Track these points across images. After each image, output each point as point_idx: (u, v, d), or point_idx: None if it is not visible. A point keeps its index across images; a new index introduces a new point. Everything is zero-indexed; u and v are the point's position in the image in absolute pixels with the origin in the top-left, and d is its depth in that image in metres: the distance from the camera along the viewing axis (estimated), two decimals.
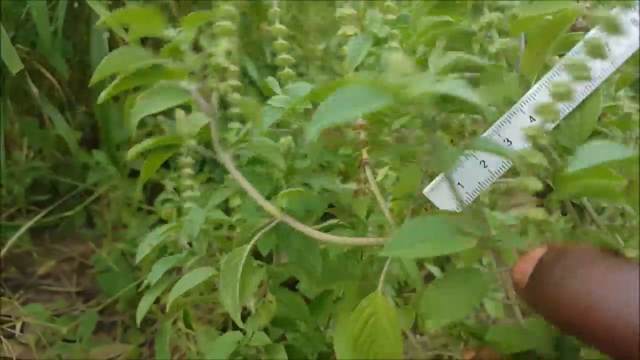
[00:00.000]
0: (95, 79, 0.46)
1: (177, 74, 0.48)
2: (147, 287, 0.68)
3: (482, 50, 0.49)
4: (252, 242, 0.51)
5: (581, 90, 0.45)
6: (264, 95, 1.46)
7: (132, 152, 0.49)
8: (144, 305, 0.67)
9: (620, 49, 0.44)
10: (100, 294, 1.26)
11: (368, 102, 0.31)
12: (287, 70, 0.65)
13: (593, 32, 0.44)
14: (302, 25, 1.49)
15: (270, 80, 0.63)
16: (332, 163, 0.65)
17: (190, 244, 0.74)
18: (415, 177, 0.54)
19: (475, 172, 0.46)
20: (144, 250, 0.69)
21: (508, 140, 0.46)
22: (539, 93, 0.46)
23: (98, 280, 1.21)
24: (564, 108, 0.45)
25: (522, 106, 0.46)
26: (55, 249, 1.34)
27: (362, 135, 0.56)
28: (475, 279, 0.40)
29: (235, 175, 0.50)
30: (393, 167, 0.62)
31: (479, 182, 0.46)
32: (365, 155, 0.56)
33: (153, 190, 1.36)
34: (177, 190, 1.27)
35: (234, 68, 0.52)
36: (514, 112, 0.46)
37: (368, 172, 0.55)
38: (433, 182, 0.48)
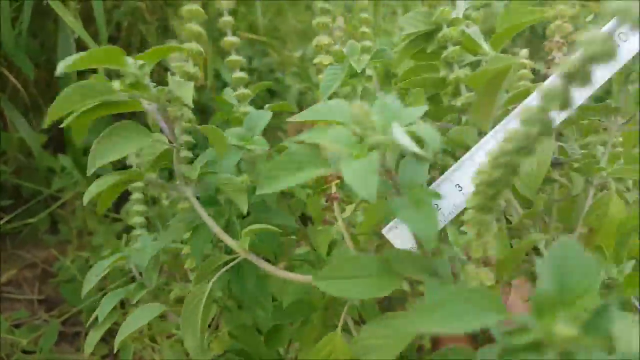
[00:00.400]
0: (51, 117, 0.47)
1: (133, 105, 0.49)
2: (95, 320, 0.67)
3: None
4: (211, 281, 0.51)
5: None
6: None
7: (87, 196, 0.51)
8: (91, 341, 0.67)
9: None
10: (64, 303, 1.21)
11: (310, 169, 0.35)
12: (241, 90, 0.66)
13: (549, 81, 0.45)
14: (279, 30, 1.46)
15: (226, 93, 0.64)
16: (296, 195, 0.66)
17: (140, 273, 0.71)
18: (380, 213, 0.54)
19: (452, 195, 0.48)
20: (90, 281, 0.68)
21: (458, 185, 0.48)
22: (489, 142, 0.48)
23: (62, 289, 1.17)
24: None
25: (472, 154, 0.48)
26: (18, 255, 1.30)
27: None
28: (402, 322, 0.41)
29: (199, 211, 0.52)
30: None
31: (454, 205, 0.48)
32: (334, 190, 0.57)
33: (120, 196, 1.32)
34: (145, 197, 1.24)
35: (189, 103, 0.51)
36: (465, 159, 0.48)
37: (336, 207, 0.56)
38: (392, 221, 0.49)
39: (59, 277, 1.20)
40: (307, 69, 1.44)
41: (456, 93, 0.52)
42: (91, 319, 0.67)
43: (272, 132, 1.44)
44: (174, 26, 1.34)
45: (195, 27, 0.54)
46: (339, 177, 0.57)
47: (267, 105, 0.66)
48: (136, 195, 1.23)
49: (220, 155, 0.54)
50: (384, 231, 0.48)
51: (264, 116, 0.59)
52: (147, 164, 0.52)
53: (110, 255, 0.70)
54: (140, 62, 0.48)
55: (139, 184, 1.24)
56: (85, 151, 1.25)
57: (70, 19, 0.93)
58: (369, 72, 0.59)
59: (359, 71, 0.56)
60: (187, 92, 0.49)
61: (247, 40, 1.41)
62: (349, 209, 0.58)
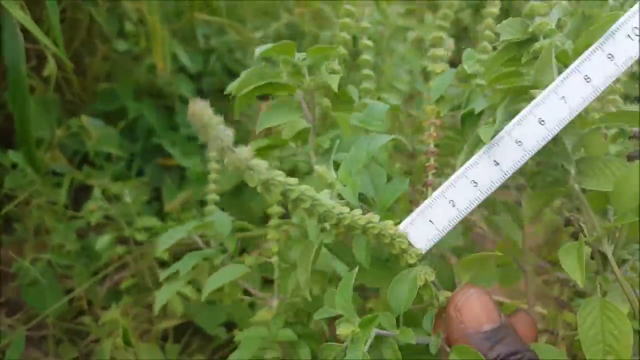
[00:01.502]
0: (238, 90, 0.60)
1: (292, 89, 0.63)
2: (169, 277, 0.74)
3: None
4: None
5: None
6: (194, 80, 1.36)
7: (253, 147, 0.57)
8: (164, 295, 0.74)
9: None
10: (26, 305, 1.14)
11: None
12: (365, 85, 0.77)
13: None
14: (238, 8, 1.40)
15: (350, 89, 0.70)
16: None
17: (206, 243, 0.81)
18: None
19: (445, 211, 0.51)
20: (165, 243, 0.76)
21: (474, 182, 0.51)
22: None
23: (24, 295, 1.10)
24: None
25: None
26: None
27: (432, 161, 0.63)
28: None
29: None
30: None
31: (448, 220, 0.51)
32: (430, 177, 0.62)
33: (78, 193, 1.23)
34: (105, 194, 1.17)
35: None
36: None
37: (429, 192, 0.60)
38: (409, 216, 0.52)
39: (19, 280, 1.10)
40: None
41: None
42: (163, 276, 0.74)
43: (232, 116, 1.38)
44: (125, 6, 1.25)
45: None
46: (435, 167, 0.62)
47: None
48: (97, 192, 1.15)
49: (345, 134, 0.63)
50: (402, 226, 0.52)
51: (383, 107, 0.66)
52: (290, 135, 0.64)
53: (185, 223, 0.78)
54: (303, 55, 0.62)
55: (102, 181, 1.16)
56: (39, 145, 1.14)
57: (17, 12, 0.87)
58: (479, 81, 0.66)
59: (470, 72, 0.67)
60: (334, 82, 0.61)
61: (204, 20, 1.34)
62: None
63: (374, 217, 0.48)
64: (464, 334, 0.47)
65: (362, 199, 0.57)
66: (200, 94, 1.46)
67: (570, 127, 0.50)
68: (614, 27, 0.48)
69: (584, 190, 0.53)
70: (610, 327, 0.48)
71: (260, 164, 0.41)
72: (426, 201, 0.51)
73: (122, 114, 1.32)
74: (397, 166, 0.91)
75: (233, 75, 1.45)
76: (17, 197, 1.13)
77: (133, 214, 1.13)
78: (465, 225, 0.63)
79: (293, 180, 0.44)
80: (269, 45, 0.59)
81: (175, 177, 1.30)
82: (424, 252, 0.51)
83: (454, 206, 0.50)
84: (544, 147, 0.49)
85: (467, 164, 0.51)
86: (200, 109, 0.37)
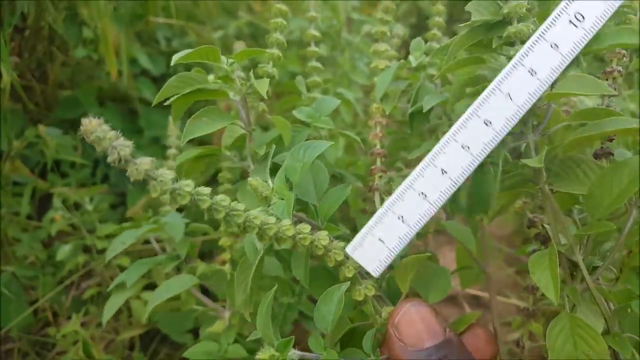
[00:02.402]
0: (159, 99, 0.57)
1: (223, 94, 0.60)
2: (117, 287, 0.69)
3: None
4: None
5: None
6: (156, 82, 1.32)
7: (179, 159, 0.60)
8: (112, 306, 0.68)
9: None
10: None
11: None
12: (313, 78, 0.75)
13: None
14: (196, 10, 1.36)
15: (298, 81, 0.70)
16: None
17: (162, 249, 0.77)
18: None
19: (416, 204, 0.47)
20: (116, 248, 0.70)
21: (423, 194, 0.46)
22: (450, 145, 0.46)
23: None
24: None
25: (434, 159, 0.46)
26: None
27: (378, 162, 0.59)
28: None
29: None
30: None
31: (419, 214, 0.46)
32: (376, 181, 0.59)
33: (41, 202, 1.19)
34: (66, 203, 1.13)
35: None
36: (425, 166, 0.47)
37: (376, 197, 0.58)
38: (357, 237, 0.47)
39: None
40: (229, 47, 1.36)
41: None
42: (112, 286, 0.70)
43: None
44: (83, 14, 1.20)
45: None
46: (383, 170, 0.58)
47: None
48: (57, 202, 1.11)
49: (285, 137, 0.59)
50: (348, 250, 0.48)
51: (333, 102, 0.63)
52: (227, 143, 0.62)
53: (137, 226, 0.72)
54: (231, 60, 0.58)
55: (62, 190, 1.12)
56: None
57: None
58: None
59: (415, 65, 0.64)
60: (263, 87, 0.58)
61: (165, 23, 1.31)
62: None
63: (305, 228, 0.45)
64: (403, 353, 0.43)
65: (303, 208, 0.54)
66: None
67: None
68: (555, 12, 0.43)
69: (552, 192, 0.49)
70: (583, 347, 0.44)
71: (165, 173, 0.40)
72: (373, 218, 0.47)
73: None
74: (360, 163, 0.88)
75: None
76: None
77: (95, 221, 1.09)
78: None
79: (204, 190, 0.42)
80: (186, 52, 0.55)
81: (140, 181, 1.26)
82: (376, 275, 0.46)
83: (403, 222, 0.46)
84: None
85: (414, 173, 0.46)
86: (94, 125, 0.38)
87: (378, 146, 0.60)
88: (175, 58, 0.55)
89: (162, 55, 1.39)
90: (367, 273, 0.47)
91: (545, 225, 0.55)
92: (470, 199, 0.51)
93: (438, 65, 0.64)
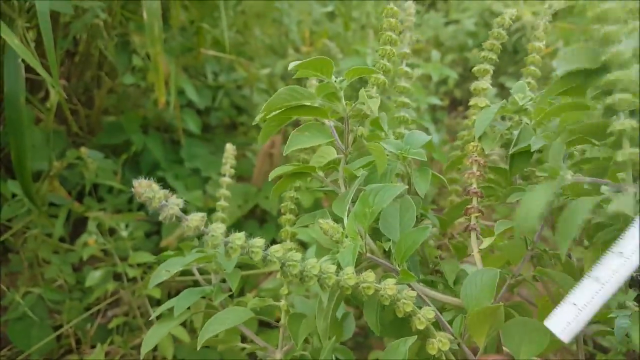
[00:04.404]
0: (266, 110, 0.53)
1: (325, 114, 0.55)
2: (159, 316, 0.60)
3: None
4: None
5: None
6: (200, 115, 1.25)
7: (273, 174, 0.56)
8: (154, 337, 0.58)
9: None
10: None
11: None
12: (400, 113, 0.68)
13: None
14: (245, 45, 1.32)
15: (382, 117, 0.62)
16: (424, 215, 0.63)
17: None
18: (520, 254, 0.50)
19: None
20: (160, 276, 0.62)
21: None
22: None
23: (9, 330, 0.99)
24: None
25: None
26: None
27: (475, 202, 0.55)
28: None
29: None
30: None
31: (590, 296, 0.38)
32: (473, 221, 0.54)
33: (75, 225, 1.11)
34: (100, 228, 1.05)
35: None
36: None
37: (473, 237, 0.53)
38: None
39: (8, 314, 0.97)
40: (275, 85, 1.31)
41: (617, 146, 0.42)
42: (155, 315, 0.60)
43: (240, 150, 1.31)
44: (134, 42, 1.16)
45: None
46: (480, 211, 0.54)
47: None
48: (92, 226, 1.04)
49: (380, 166, 0.54)
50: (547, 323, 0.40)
51: (424, 136, 0.59)
52: (320, 163, 0.57)
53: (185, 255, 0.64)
54: (340, 77, 0.54)
55: (98, 214, 1.05)
56: (36, 178, 1.04)
57: (15, 42, 0.79)
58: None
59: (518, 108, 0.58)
60: (374, 105, 0.54)
61: (214, 56, 1.26)
62: (487, 240, 0.51)
63: (369, 276, 0.42)
64: None
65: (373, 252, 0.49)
66: (208, 128, 1.37)
67: None
68: None
69: None
70: None
71: (217, 228, 0.39)
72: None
73: (128, 147, 1.22)
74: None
75: (240, 110, 1.36)
76: (14, 227, 1.01)
77: (128, 248, 1.01)
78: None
79: (257, 242, 0.41)
80: (303, 61, 0.51)
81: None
82: (566, 341, 0.39)
83: (596, 280, 0.38)
84: None
85: None
86: (145, 186, 0.38)
87: (474, 185, 0.55)
88: (291, 65, 0.51)
89: (209, 89, 1.35)
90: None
91: None
92: None
93: (531, 112, 0.58)
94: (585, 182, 0.41)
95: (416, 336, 0.41)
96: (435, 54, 1.17)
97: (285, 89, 0.52)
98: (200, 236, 0.81)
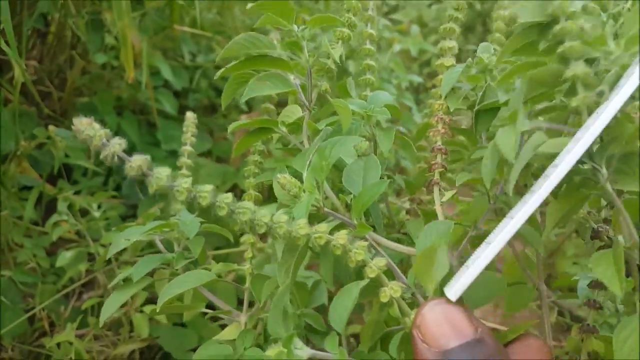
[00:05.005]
0: (221, 56, 0.52)
1: (288, 66, 0.53)
2: (120, 283, 0.58)
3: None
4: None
5: None
6: (178, 97, 1.22)
7: (232, 126, 0.56)
8: (112, 305, 0.56)
9: None
10: None
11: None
12: (366, 76, 0.66)
13: None
14: (224, 25, 1.29)
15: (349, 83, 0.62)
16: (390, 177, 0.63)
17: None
18: (483, 208, 0.49)
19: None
20: (119, 244, 0.60)
21: None
22: None
23: None
24: None
25: None
26: None
27: (439, 158, 0.55)
28: None
29: None
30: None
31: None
32: (436, 177, 0.54)
33: (48, 208, 1.09)
34: (72, 209, 1.03)
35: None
36: None
37: (436, 192, 0.53)
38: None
39: None
40: None
41: (573, 92, 0.42)
42: (114, 282, 0.59)
43: (221, 132, 1.29)
44: (106, 19, 1.13)
45: None
46: (444, 167, 0.54)
47: None
48: (62, 206, 1.01)
49: (344, 123, 0.52)
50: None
51: (387, 96, 0.58)
52: (286, 121, 0.56)
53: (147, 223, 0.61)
54: (303, 26, 0.52)
55: (67, 194, 1.03)
56: (5, 159, 1.01)
57: None
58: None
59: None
60: (337, 53, 0.53)
61: (191, 35, 1.23)
62: (449, 193, 0.52)
63: (321, 227, 0.40)
64: (426, 355, 0.36)
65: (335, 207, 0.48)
66: (186, 110, 1.34)
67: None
68: None
69: (619, 193, 0.42)
70: None
71: (162, 171, 0.38)
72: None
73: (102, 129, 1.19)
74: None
75: (219, 91, 1.33)
76: None
77: (101, 229, 0.99)
78: None
79: (206, 187, 0.39)
80: (259, 2, 0.49)
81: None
82: (453, 299, 0.38)
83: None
84: None
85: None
86: (85, 124, 0.36)
87: (439, 143, 0.55)
88: (250, 5, 0.50)
89: (186, 70, 1.32)
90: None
91: (612, 237, 0.48)
92: None
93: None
94: (543, 128, 0.40)
95: (368, 280, 0.40)
96: (414, 28, 1.16)
97: (244, 35, 0.50)
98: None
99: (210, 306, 0.63)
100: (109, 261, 1.00)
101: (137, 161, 0.36)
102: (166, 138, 1.24)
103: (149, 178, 0.37)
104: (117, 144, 0.37)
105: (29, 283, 1.00)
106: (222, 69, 0.54)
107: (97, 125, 0.37)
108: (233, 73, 0.54)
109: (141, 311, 0.94)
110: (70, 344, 0.81)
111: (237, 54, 0.51)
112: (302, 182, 0.45)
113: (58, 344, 0.92)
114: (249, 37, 0.50)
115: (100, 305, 0.99)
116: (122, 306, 0.97)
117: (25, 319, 0.96)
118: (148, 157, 0.37)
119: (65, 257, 0.92)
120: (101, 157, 0.37)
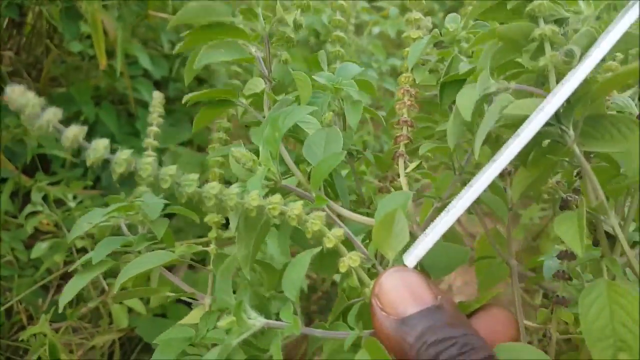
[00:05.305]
0: (173, 23, 0.49)
1: (245, 34, 0.51)
2: (82, 266, 0.56)
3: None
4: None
5: None
6: (159, 87, 1.20)
7: (187, 98, 0.53)
8: (74, 287, 0.54)
9: None
10: None
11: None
12: (336, 48, 0.63)
13: None
14: None
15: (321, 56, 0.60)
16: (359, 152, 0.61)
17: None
18: (449, 180, 0.51)
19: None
20: (81, 227, 0.58)
21: None
22: None
23: None
24: None
25: None
26: None
27: (405, 131, 0.53)
28: None
29: None
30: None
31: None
32: (402, 148, 0.53)
33: (26, 201, 1.08)
34: (47, 200, 1.01)
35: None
36: None
37: (400, 164, 0.52)
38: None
39: None
40: None
41: (539, 52, 0.41)
42: (75, 265, 0.56)
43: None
44: (80, 7, 1.11)
45: None
46: (409, 139, 0.52)
47: None
48: (36, 197, 1.00)
49: (303, 97, 0.51)
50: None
51: (355, 68, 0.57)
52: (248, 92, 0.54)
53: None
54: None
55: (42, 185, 1.01)
56: None
57: None
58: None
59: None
60: (290, 18, 0.51)
61: (162, 21, 1.21)
62: (413, 165, 0.52)
63: (275, 198, 0.39)
64: (384, 322, 0.35)
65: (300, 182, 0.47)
66: (167, 100, 1.32)
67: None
68: None
69: (587, 156, 0.41)
70: (621, 317, 0.35)
71: (100, 142, 0.35)
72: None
73: (83, 120, 1.17)
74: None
75: (201, 81, 1.32)
76: None
77: (77, 219, 0.97)
78: None
79: (148, 159, 0.36)
80: None
81: (133, 184, 1.15)
82: (410, 266, 0.37)
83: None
84: None
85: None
86: (18, 92, 0.33)
87: (405, 115, 0.53)
88: None
89: (165, 59, 1.30)
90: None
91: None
92: None
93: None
94: (510, 89, 0.39)
95: (321, 247, 0.39)
96: (393, 10, 1.14)
97: (197, 2, 0.48)
98: None
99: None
100: (83, 249, 0.99)
101: (72, 131, 0.34)
102: (146, 128, 1.22)
103: (86, 151, 0.35)
104: (52, 113, 0.34)
105: (7, 277, 0.99)
106: (179, 45, 0.52)
107: (30, 94, 0.34)
108: (191, 46, 0.51)
109: (121, 303, 0.92)
110: (45, 335, 0.79)
111: (191, 22, 0.49)
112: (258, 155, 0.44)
113: (35, 336, 0.90)
114: (204, 4, 0.48)
115: (79, 297, 0.98)
116: (98, 296, 0.97)
117: (2, 312, 0.95)
118: (85, 127, 0.35)
119: (40, 248, 0.91)
120: (35, 127, 0.34)
